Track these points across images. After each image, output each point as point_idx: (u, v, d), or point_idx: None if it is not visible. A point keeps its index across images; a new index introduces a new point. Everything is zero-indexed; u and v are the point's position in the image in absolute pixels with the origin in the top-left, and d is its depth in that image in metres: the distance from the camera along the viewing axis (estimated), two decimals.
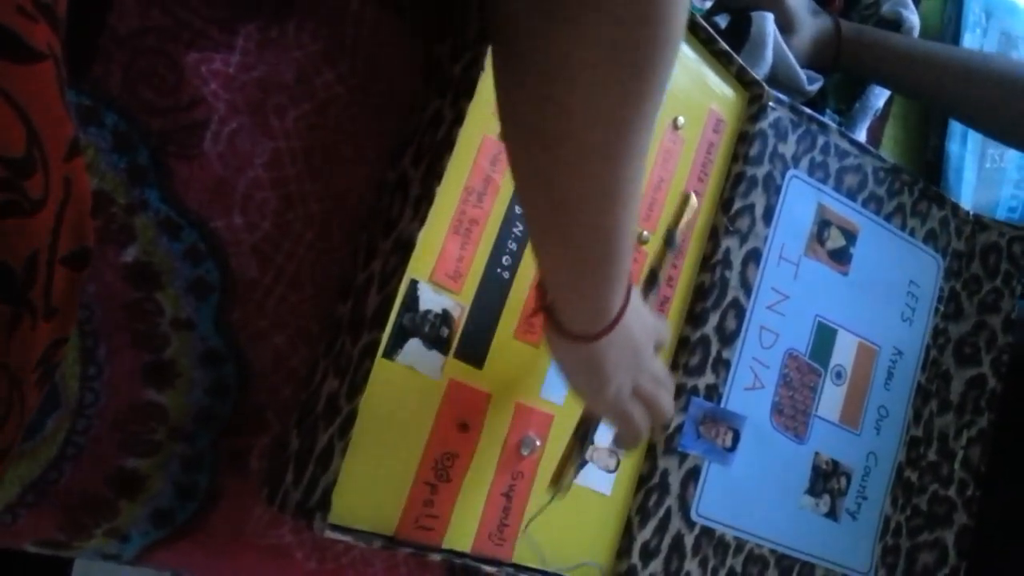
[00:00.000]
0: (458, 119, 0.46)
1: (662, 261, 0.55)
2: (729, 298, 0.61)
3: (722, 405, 0.60)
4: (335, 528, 0.43)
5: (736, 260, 0.61)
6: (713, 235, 0.61)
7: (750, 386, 0.62)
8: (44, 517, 0.43)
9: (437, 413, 0.48)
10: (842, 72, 0.74)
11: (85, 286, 0.43)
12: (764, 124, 0.62)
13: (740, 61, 0.60)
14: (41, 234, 0.31)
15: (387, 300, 0.45)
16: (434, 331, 0.47)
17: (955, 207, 0.73)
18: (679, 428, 0.58)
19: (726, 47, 0.59)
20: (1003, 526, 0.70)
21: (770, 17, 0.67)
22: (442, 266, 0.48)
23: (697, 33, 0.58)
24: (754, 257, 0.62)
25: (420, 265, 0.46)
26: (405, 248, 0.45)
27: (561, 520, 0.53)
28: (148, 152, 0.45)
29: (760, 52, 0.66)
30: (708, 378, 0.60)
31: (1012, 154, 0.86)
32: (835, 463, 0.66)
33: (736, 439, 0.61)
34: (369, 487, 0.45)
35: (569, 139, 0.33)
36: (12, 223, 0.29)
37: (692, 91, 0.59)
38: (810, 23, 0.71)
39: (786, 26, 0.69)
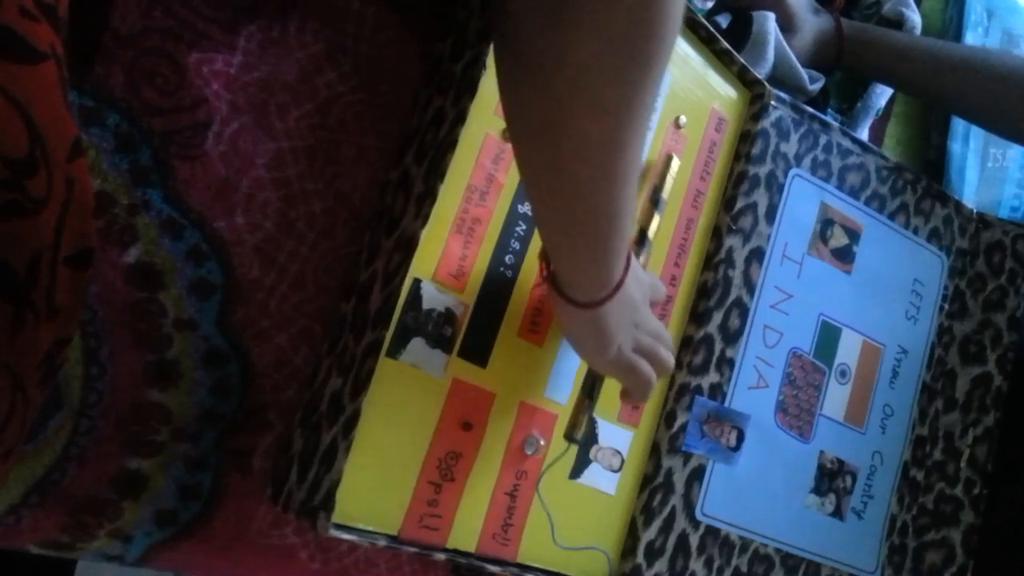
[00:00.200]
0: (460, 118, 0.46)
1: (649, 220, 0.56)
2: (732, 297, 0.61)
3: (726, 404, 0.60)
4: (339, 527, 0.43)
5: (739, 259, 0.61)
6: (716, 234, 0.61)
7: (754, 385, 0.62)
8: (47, 518, 0.43)
9: (441, 412, 0.48)
10: (844, 71, 0.74)
11: (88, 286, 0.43)
12: (766, 123, 0.62)
13: (742, 60, 0.60)
14: (43, 234, 0.31)
15: (390, 299, 0.45)
16: (437, 330, 0.47)
17: (958, 205, 0.73)
18: (683, 427, 0.58)
19: (728, 46, 0.59)
20: (1010, 524, 0.70)
21: (771, 16, 0.67)
22: (445, 265, 0.48)
23: (699, 32, 0.58)
24: (757, 256, 0.62)
25: (423, 264, 0.46)
26: (408, 247, 0.45)
27: (566, 518, 0.53)
28: (150, 152, 0.45)
29: (762, 51, 0.66)
30: (712, 377, 0.60)
31: (1014, 153, 0.86)
32: (840, 462, 0.65)
33: (740, 438, 0.61)
34: (373, 486, 0.45)
35: (574, 132, 0.33)
36: (14, 223, 0.29)
37: (694, 90, 0.59)
38: (811, 22, 0.71)
39: (787, 25, 0.69)
